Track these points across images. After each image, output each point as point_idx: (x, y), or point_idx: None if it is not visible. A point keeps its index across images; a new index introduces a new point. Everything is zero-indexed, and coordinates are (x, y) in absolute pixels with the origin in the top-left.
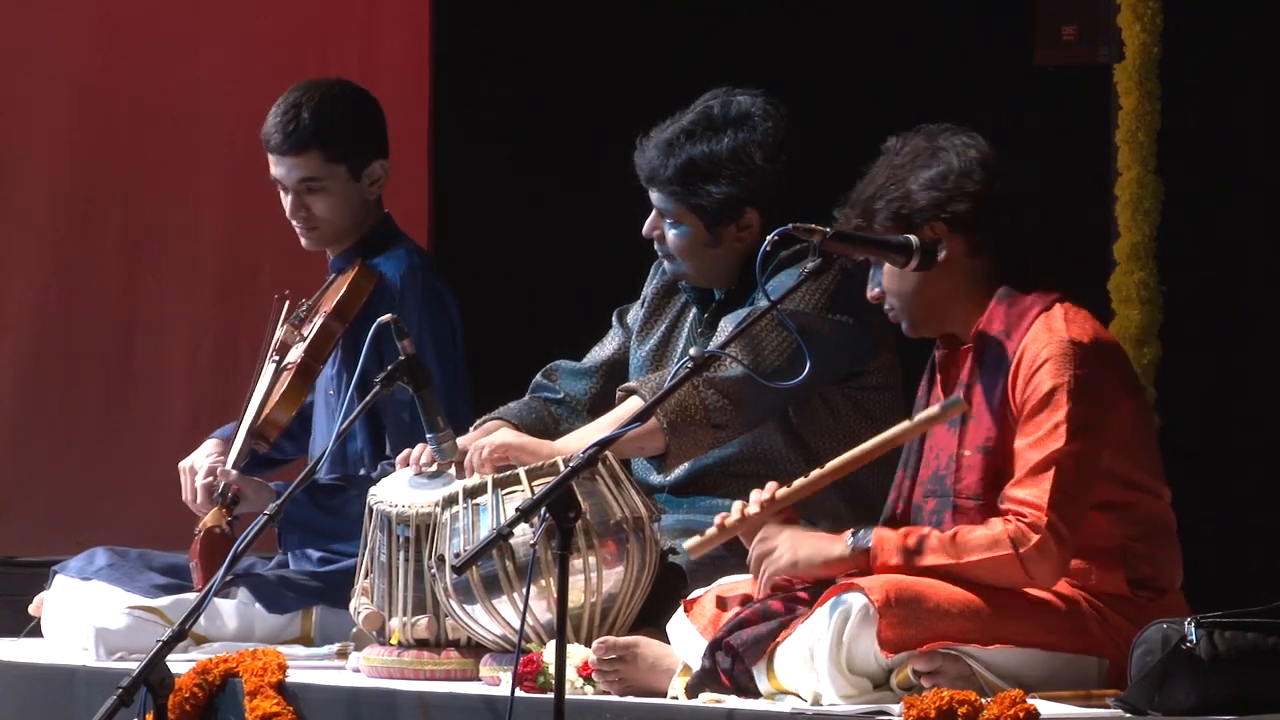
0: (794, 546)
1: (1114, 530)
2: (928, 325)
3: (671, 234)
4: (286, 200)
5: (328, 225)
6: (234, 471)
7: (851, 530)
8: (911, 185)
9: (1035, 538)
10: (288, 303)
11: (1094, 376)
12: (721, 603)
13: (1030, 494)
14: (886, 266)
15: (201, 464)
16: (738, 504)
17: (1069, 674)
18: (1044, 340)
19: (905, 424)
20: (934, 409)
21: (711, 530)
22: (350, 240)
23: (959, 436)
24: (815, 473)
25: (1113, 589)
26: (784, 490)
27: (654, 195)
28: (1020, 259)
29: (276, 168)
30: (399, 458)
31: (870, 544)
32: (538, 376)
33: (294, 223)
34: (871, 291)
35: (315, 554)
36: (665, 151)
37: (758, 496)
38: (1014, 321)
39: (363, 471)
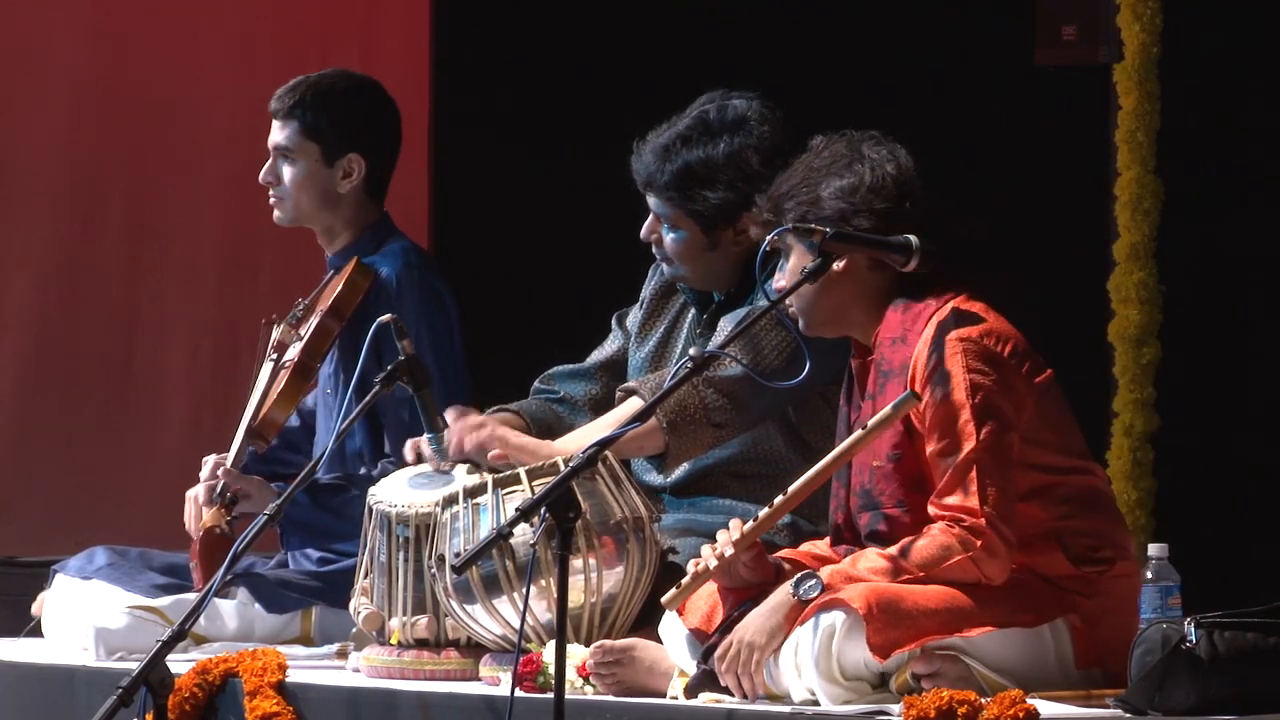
0: (752, 639)
1: (1043, 515)
2: (823, 327)
3: (669, 238)
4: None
5: (290, 200)
6: (234, 470)
7: (791, 582)
8: (822, 191)
9: (979, 541)
10: (275, 329)
11: (988, 369)
12: (702, 635)
13: (960, 500)
14: (792, 262)
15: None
16: (705, 549)
17: (1051, 646)
18: (935, 342)
19: (858, 433)
20: (885, 411)
21: (685, 580)
22: (346, 238)
23: (872, 448)
24: (778, 500)
25: (1059, 570)
26: (750, 525)
27: (651, 200)
28: (923, 276)
29: (270, 132)
30: (408, 445)
31: (822, 589)
32: (536, 383)
33: (264, 184)
34: (776, 283)
35: (315, 554)
36: (661, 157)
37: (725, 538)
38: (909, 326)
39: (363, 470)
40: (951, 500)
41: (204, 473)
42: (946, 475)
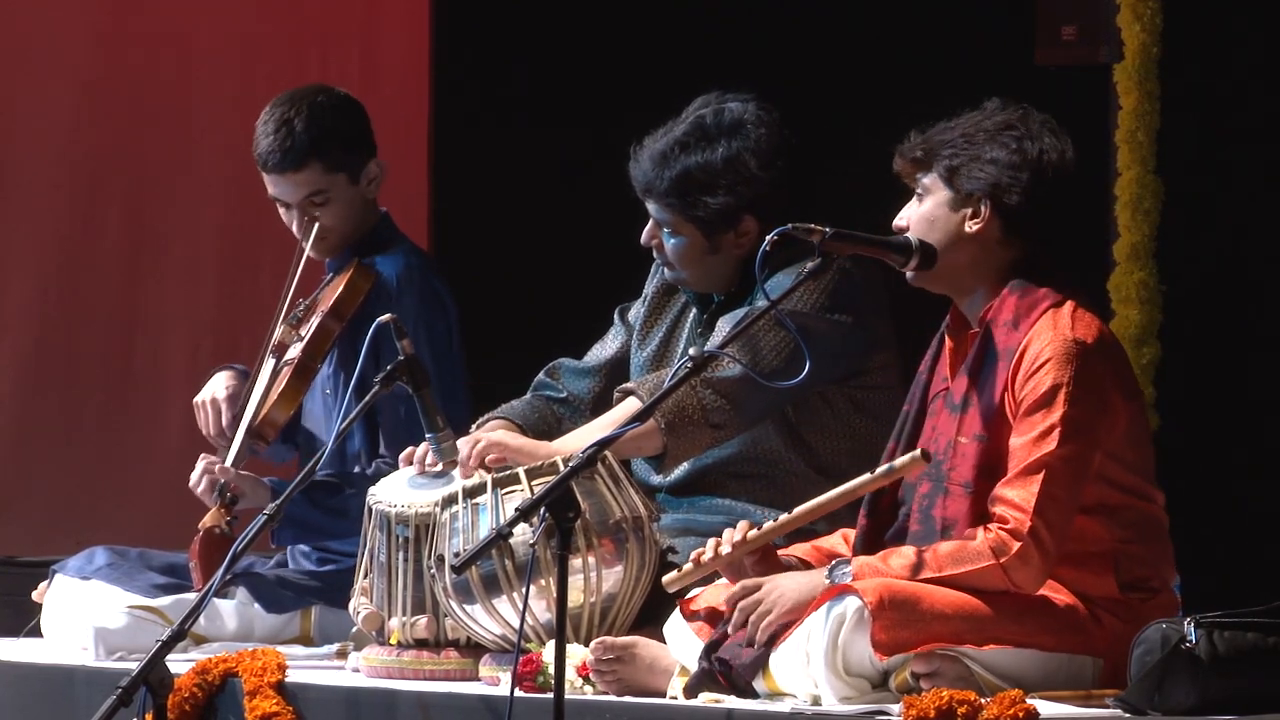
0: (779, 596)
1: (1105, 534)
2: (934, 282)
3: (670, 244)
4: (290, 216)
5: (336, 233)
6: (232, 470)
7: (830, 564)
8: (984, 154)
9: (1016, 545)
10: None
11: (1094, 379)
12: (714, 615)
13: (1018, 496)
14: (927, 207)
15: (221, 395)
16: (712, 541)
17: (1064, 674)
18: (1048, 338)
19: (867, 475)
20: (897, 462)
21: (688, 566)
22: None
23: (958, 423)
24: (784, 517)
25: (1104, 592)
26: (754, 532)
27: (650, 206)
28: (1047, 260)
29: (276, 187)
30: (403, 455)
31: (850, 579)
32: (540, 375)
33: (300, 237)
34: (898, 222)
35: (314, 554)
36: (660, 164)
37: (730, 536)
38: (1023, 313)
39: (357, 469)
40: (1009, 493)
41: (219, 387)
42: (1017, 468)
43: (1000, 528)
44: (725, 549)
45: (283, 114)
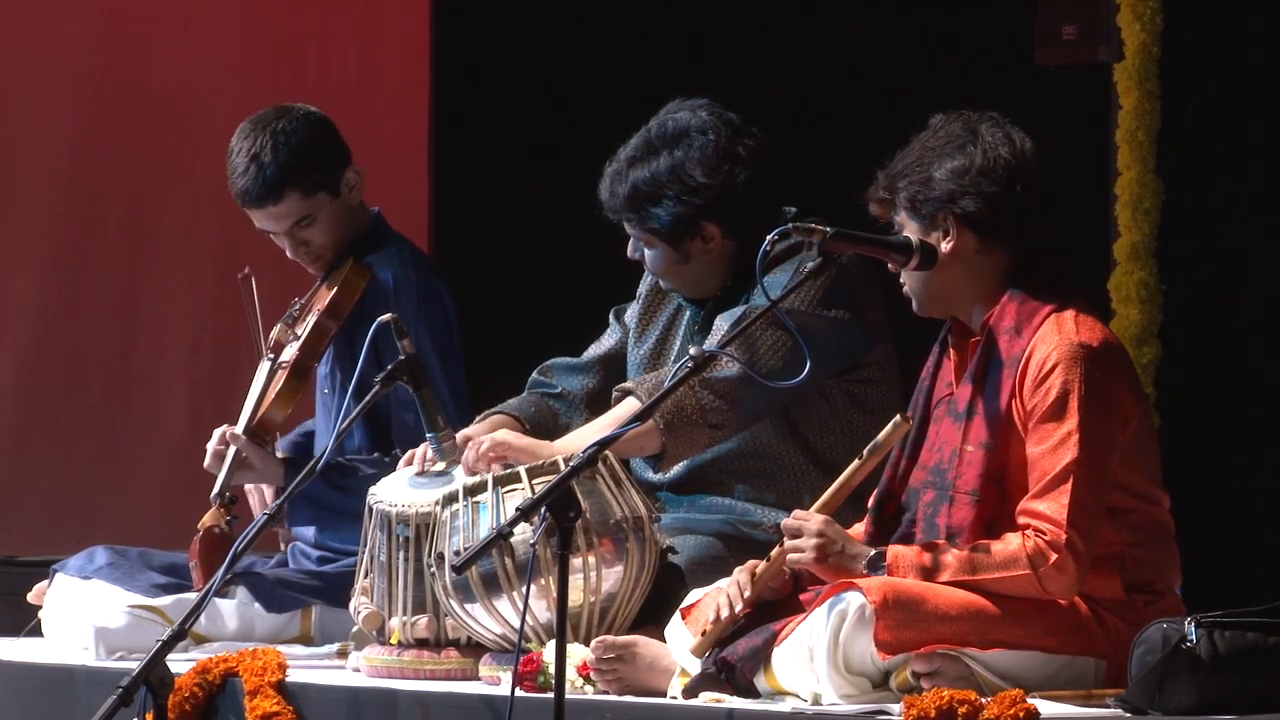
0: (820, 550)
1: (1113, 537)
2: (934, 307)
3: (646, 256)
4: (282, 243)
5: (329, 248)
6: (243, 436)
7: (867, 558)
8: (934, 171)
9: (1054, 556)
10: (254, 279)
11: (1103, 382)
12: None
13: (1049, 509)
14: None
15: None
16: (723, 597)
17: (1067, 676)
18: (1053, 343)
19: (856, 462)
20: (881, 435)
21: (709, 629)
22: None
23: (963, 431)
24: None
25: (1109, 594)
26: (761, 566)
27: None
28: (1033, 260)
29: (260, 221)
30: (404, 458)
31: (885, 567)
32: (534, 375)
33: (297, 259)
34: (892, 268)
35: (314, 553)
36: (614, 180)
37: (736, 591)
38: (1024, 319)
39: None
40: (1039, 506)
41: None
42: (1042, 481)
43: (1038, 537)
44: (738, 605)
45: (249, 149)
